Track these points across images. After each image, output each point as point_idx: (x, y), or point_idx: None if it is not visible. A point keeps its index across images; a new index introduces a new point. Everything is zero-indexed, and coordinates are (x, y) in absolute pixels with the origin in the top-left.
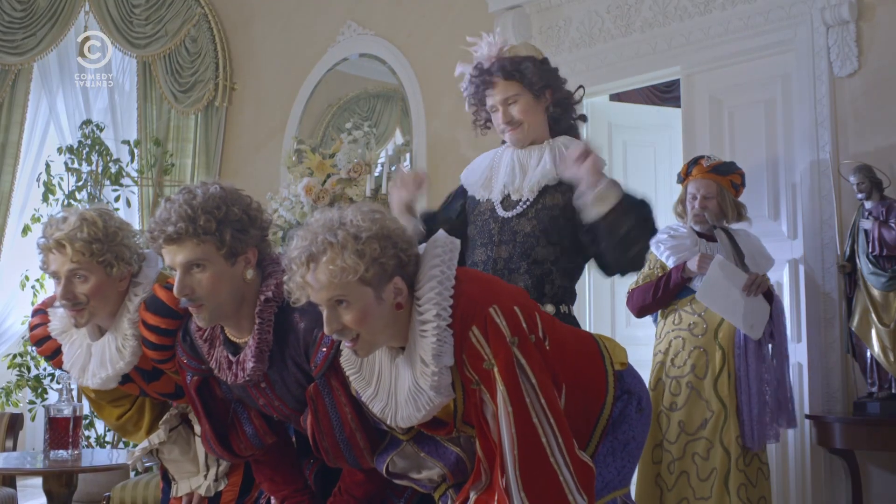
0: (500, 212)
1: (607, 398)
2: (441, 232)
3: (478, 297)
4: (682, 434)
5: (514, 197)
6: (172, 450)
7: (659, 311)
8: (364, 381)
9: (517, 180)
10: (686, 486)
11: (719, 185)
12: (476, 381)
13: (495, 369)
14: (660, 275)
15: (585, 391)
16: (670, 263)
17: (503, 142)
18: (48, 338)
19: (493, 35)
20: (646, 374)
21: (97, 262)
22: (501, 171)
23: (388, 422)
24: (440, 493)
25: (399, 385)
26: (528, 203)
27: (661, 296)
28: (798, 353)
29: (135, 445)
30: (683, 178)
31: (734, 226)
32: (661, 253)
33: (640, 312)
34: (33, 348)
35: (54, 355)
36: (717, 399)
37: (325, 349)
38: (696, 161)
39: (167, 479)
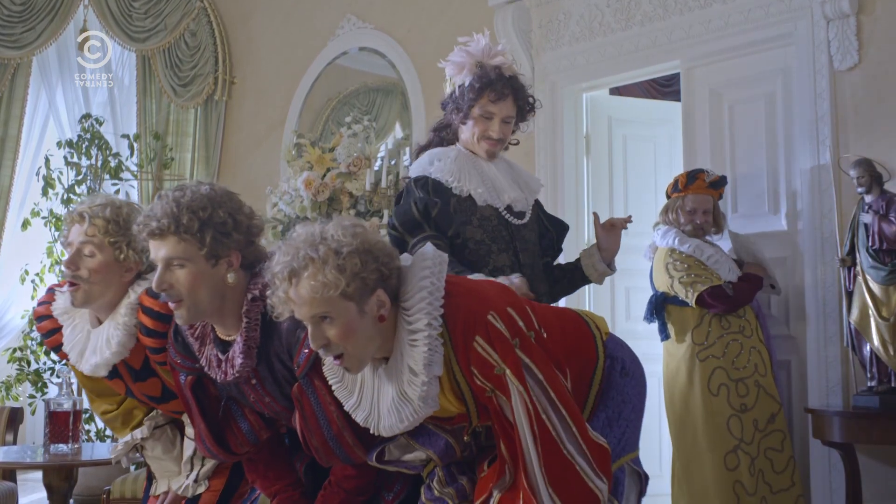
0: (512, 220)
1: (598, 363)
2: (429, 245)
3: (474, 306)
4: (756, 432)
5: (517, 208)
6: (155, 447)
7: (677, 320)
8: (346, 390)
9: (516, 192)
10: (763, 485)
11: (714, 199)
12: (490, 388)
13: (507, 372)
14: (734, 279)
15: (580, 362)
16: (725, 272)
17: (442, 142)
18: (48, 316)
19: (499, 45)
20: (649, 367)
21: (109, 241)
22: (502, 182)
23: (372, 431)
24: (428, 471)
25: (381, 396)
26: (529, 215)
27: (748, 298)
28: (798, 346)
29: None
30: (681, 189)
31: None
32: (714, 262)
33: (732, 310)
34: (33, 340)
35: (50, 335)
36: (777, 392)
37: (306, 350)
38: (695, 176)
39: (150, 476)
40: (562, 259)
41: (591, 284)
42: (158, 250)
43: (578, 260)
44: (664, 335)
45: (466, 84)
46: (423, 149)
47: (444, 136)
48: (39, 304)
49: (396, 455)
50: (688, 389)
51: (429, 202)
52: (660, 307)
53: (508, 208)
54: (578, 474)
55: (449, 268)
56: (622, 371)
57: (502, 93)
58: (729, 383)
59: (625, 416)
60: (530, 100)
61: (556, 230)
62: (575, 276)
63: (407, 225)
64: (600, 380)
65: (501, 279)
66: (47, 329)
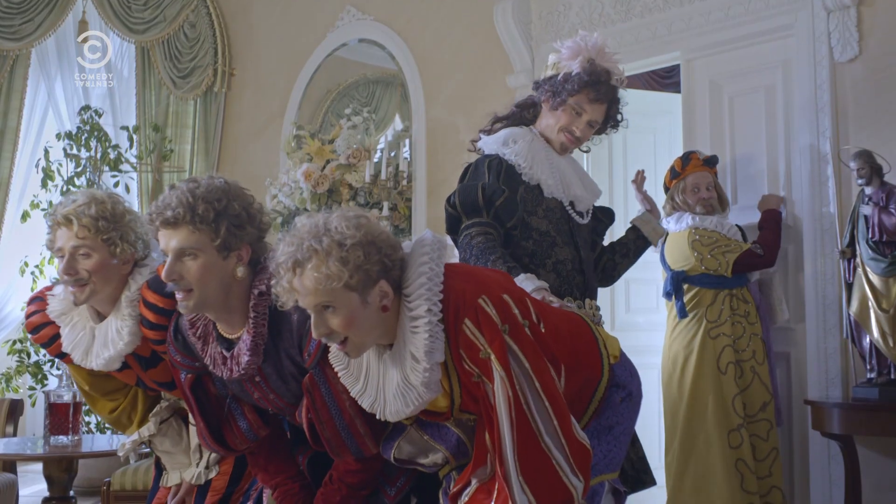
0: (576, 217)
1: (601, 383)
2: (428, 231)
3: (466, 290)
4: (745, 417)
5: (578, 207)
6: (163, 441)
7: (700, 295)
8: (352, 377)
9: (581, 191)
10: (743, 467)
11: (713, 176)
12: (477, 373)
13: (492, 356)
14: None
15: (582, 372)
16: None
17: (509, 124)
18: (44, 325)
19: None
20: (648, 359)
21: (101, 239)
22: (570, 178)
23: (378, 416)
24: (444, 473)
25: (387, 381)
26: (590, 215)
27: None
28: (797, 338)
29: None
30: (679, 172)
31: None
32: (734, 234)
33: (771, 263)
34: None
35: (51, 342)
36: (770, 383)
37: (317, 340)
38: (689, 157)
39: (159, 467)
40: None
41: None
42: (170, 240)
43: (634, 230)
44: (683, 313)
45: (574, 73)
46: (499, 119)
47: (525, 114)
48: (30, 314)
49: (407, 451)
50: (698, 368)
51: (496, 190)
52: (678, 285)
53: (571, 204)
54: (554, 468)
55: (501, 263)
56: (627, 397)
57: (601, 96)
58: (734, 362)
59: (614, 434)
60: (619, 116)
61: (608, 219)
62: (637, 246)
63: (466, 206)
64: (600, 398)
65: (524, 279)
66: (49, 336)
